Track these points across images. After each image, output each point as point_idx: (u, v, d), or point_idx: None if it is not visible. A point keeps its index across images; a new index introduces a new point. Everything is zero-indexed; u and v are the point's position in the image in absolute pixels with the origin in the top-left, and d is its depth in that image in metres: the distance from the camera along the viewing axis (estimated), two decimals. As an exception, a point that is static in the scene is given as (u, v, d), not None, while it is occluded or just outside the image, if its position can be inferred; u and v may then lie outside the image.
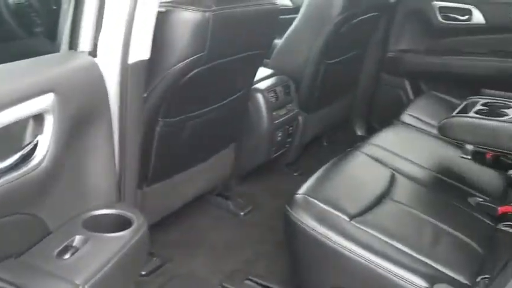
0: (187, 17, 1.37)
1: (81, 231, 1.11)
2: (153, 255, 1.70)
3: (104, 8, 1.12)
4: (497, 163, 1.78)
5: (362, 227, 1.28)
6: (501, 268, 1.14)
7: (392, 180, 1.56)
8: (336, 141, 2.78)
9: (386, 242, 1.24)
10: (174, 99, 1.48)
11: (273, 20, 1.71)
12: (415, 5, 2.67)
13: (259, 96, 2.03)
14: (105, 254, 1.06)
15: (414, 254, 1.22)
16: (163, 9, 1.35)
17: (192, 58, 1.40)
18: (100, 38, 1.13)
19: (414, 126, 2.06)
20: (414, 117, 2.14)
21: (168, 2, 1.38)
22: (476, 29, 2.53)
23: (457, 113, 1.71)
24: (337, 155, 1.72)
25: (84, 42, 1.12)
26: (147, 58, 1.23)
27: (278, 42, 2.30)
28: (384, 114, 2.41)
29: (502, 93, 2.47)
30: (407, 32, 2.72)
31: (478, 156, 1.74)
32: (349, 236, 1.24)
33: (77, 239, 1.09)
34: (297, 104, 2.25)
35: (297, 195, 1.37)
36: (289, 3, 2.98)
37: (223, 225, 1.96)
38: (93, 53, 1.13)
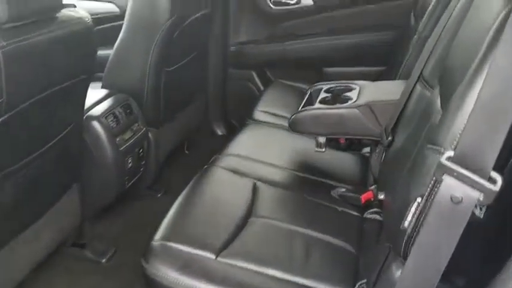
0: None
1: None
2: None
3: None
4: (351, 145, 1.81)
5: (230, 262, 1.15)
6: (379, 270, 1.10)
7: (255, 192, 1.46)
8: (197, 146, 2.64)
9: (256, 272, 1.14)
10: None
11: (86, 39, 1.47)
12: (245, -5, 2.62)
13: (96, 125, 1.76)
14: None
15: (286, 277, 1.14)
16: None
17: (-14, 109, 1.12)
18: None
19: (267, 123, 2.01)
20: (265, 112, 2.09)
21: None
22: (307, 11, 2.57)
23: (303, 106, 1.68)
24: (201, 161, 1.58)
25: None
26: None
27: (107, 53, 2.04)
28: (239, 109, 2.34)
29: (343, 69, 2.57)
30: (244, 24, 2.67)
31: (332, 143, 1.74)
32: (218, 278, 1.10)
33: None
34: (144, 122, 2.03)
35: (153, 243, 1.19)
36: (115, 9, 2.71)
37: (83, 280, 1.70)
38: None
